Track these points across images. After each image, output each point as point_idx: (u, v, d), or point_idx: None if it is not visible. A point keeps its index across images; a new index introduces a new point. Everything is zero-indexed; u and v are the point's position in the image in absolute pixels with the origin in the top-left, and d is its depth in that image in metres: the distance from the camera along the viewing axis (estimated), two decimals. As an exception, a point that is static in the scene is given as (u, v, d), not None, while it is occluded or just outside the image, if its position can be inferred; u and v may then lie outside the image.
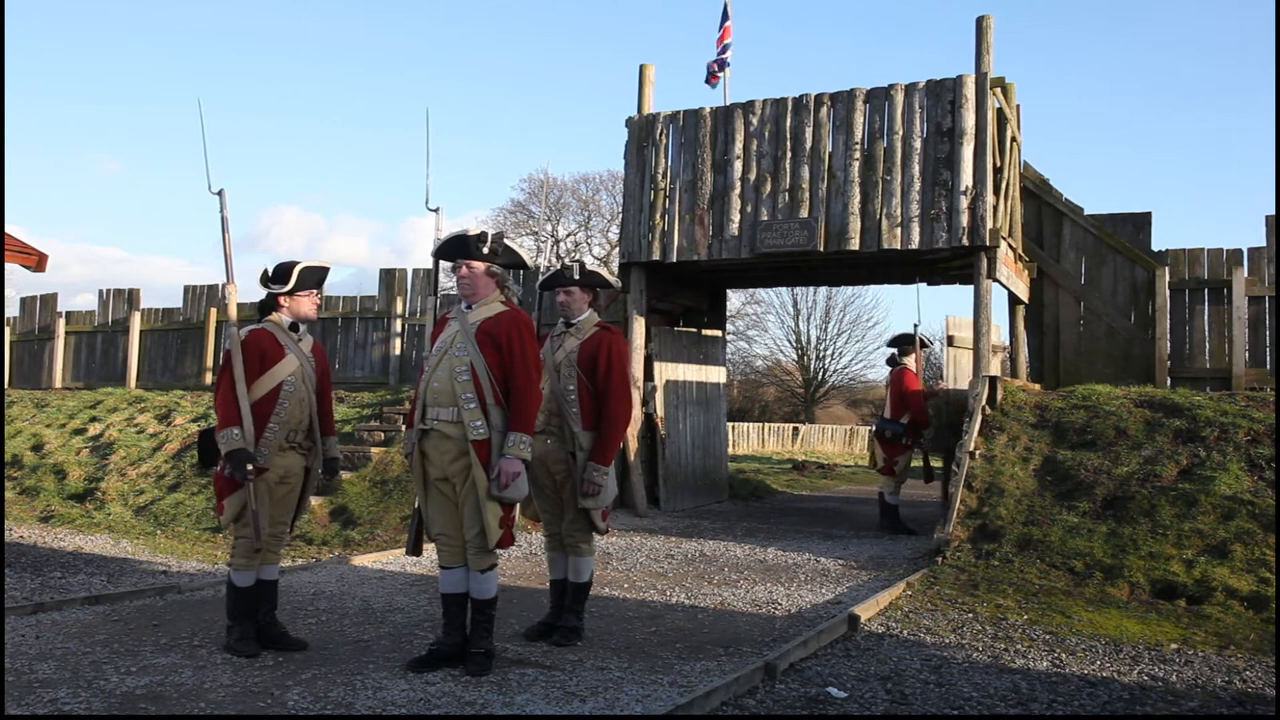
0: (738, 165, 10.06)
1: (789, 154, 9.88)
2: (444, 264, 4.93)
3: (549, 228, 36.61)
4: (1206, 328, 10.41)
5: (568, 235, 36.96)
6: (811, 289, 37.22)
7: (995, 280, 9.24)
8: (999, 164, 9.72)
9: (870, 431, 10.35)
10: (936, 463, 10.26)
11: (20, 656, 4.49)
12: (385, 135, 68.49)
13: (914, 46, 63.17)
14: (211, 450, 4.72)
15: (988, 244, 9.07)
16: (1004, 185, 9.85)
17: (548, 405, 4.91)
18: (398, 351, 13.35)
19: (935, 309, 75.73)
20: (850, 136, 9.66)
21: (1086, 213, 10.85)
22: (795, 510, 11.82)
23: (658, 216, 10.37)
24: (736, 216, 10.01)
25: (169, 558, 7.96)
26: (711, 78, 11.16)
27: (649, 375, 10.80)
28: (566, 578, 5.07)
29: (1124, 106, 64.94)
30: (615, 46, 67.87)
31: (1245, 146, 63.18)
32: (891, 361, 10.10)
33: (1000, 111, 9.70)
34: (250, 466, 4.49)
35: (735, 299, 35.80)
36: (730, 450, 16.28)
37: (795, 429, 31.31)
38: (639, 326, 10.59)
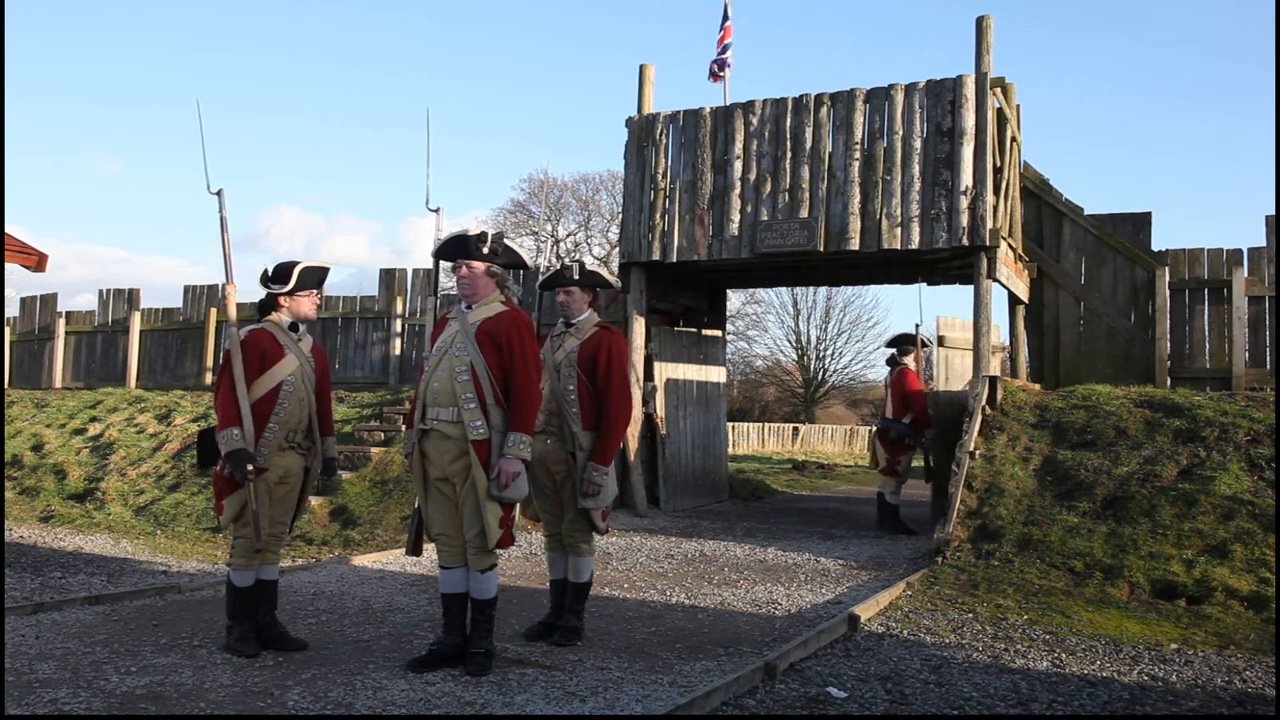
0: (738, 165, 10.06)
1: (789, 154, 9.88)
2: (444, 264, 4.93)
3: (549, 228, 36.64)
4: (1206, 328, 10.41)
5: (568, 235, 37.00)
6: (811, 289, 37.24)
7: (995, 280, 9.24)
8: (999, 164, 9.72)
9: (872, 432, 10.35)
10: (917, 462, 10.29)
11: (20, 656, 4.49)
12: (385, 135, 68.57)
13: (914, 46, 63.23)
14: (211, 450, 4.72)
15: (988, 244, 9.08)
16: (1004, 185, 9.85)
17: (548, 405, 4.91)
18: (398, 351, 13.35)
19: (936, 309, 75.74)
20: (850, 136, 9.66)
21: (1086, 213, 10.85)
22: (795, 510, 11.82)
23: (658, 216, 10.37)
24: (736, 216, 10.01)
25: (169, 558, 7.96)
26: (713, 77, 11.18)
27: (649, 375, 10.81)
28: (566, 578, 5.07)
29: (1124, 106, 64.99)
30: (615, 46, 67.93)
31: (1245, 146, 63.23)
32: (891, 362, 10.11)
33: (1000, 111, 9.70)
34: (250, 466, 4.49)
35: (735, 299, 35.83)
36: (730, 450, 16.28)
37: (795, 429, 31.31)
38: (639, 326, 10.59)
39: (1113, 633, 5.59)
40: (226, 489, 4.63)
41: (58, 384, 15.75)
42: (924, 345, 10.30)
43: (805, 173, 9.80)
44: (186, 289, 14.94)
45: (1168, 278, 10.45)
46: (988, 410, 8.95)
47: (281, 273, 4.81)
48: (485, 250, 4.48)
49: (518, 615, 5.49)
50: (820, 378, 39.93)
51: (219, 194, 4.85)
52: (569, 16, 68.52)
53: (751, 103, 10.13)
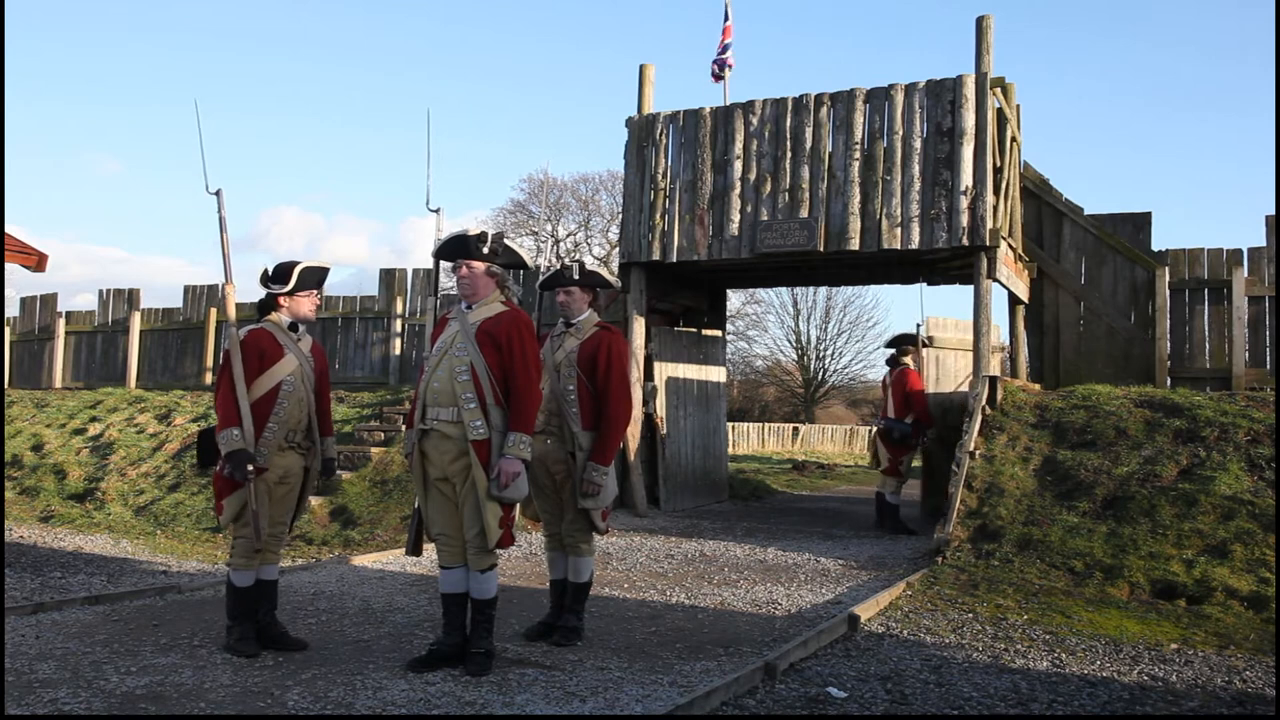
0: (738, 165, 10.06)
1: (789, 154, 9.88)
2: (444, 264, 4.93)
3: (549, 228, 36.64)
4: (1206, 328, 10.41)
5: (568, 235, 37.00)
6: (811, 289, 37.23)
7: (995, 280, 9.24)
8: (999, 164, 9.72)
9: (873, 432, 10.34)
10: (917, 462, 10.30)
11: (20, 656, 4.49)
12: (385, 135, 68.59)
13: (914, 46, 63.23)
14: (211, 450, 4.72)
15: (988, 244, 9.08)
16: (1004, 185, 9.85)
17: (547, 405, 4.91)
18: (398, 351, 13.35)
19: (936, 309, 75.74)
20: (850, 136, 9.66)
21: (1086, 213, 10.85)
22: (795, 510, 11.82)
23: (658, 216, 10.37)
24: (736, 216, 10.01)
25: (169, 558, 7.96)
26: (715, 77, 11.18)
27: (649, 375, 10.81)
28: (566, 578, 5.07)
29: (1124, 106, 65.00)
30: (615, 46, 67.94)
31: (1245, 146, 63.26)
32: (892, 362, 10.11)
33: (1000, 111, 9.70)
34: (250, 466, 4.50)
35: (735, 299, 35.83)
36: (730, 450, 16.28)
37: (795, 429, 31.31)
38: (639, 326, 10.59)
39: (1113, 633, 5.59)
40: (226, 489, 4.63)
41: (58, 384, 15.75)
42: (924, 345, 10.29)
43: (805, 173, 9.80)
44: (186, 289, 14.95)
45: (1168, 278, 10.45)
46: (988, 410, 8.95)
47: (281, 273, 4.81)
48: (485, 250, 4.48)
49: (518, 615, 5.49)
50: (820, 378, 39.94)
51: (218, 194, 4.85)
52: (569, 16, 68.60)
53: (751, 103, 10.12)
